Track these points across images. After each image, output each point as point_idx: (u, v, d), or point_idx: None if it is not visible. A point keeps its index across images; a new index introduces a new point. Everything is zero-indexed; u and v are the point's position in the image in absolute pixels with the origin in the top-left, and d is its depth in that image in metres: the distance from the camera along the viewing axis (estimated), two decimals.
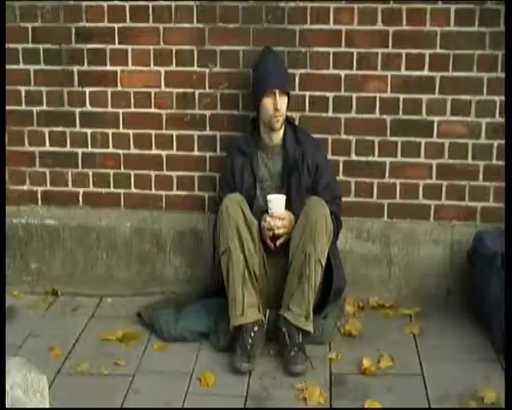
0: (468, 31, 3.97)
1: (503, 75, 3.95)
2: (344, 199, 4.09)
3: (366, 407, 3.27)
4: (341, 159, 4.17)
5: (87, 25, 4.19)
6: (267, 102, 3.77)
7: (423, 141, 4.12)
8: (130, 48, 4.19)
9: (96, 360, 3.65)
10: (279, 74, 3.84)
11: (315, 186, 3.88)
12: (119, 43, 4.19)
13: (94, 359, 3.66)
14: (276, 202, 3.76)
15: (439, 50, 4.01)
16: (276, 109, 3.76)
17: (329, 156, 4.10)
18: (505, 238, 3.41)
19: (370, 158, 4.15)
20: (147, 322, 3.98)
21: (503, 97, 3.97)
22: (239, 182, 3.89)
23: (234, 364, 3.58)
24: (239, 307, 3.67)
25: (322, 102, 4.13)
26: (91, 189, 4.37)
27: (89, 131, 4.31)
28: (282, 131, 3.88)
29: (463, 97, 4.03)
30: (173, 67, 4.19)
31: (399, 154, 4.14)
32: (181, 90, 4.21)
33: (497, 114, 4.03)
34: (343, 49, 4.06)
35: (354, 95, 4.10)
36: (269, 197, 3.77)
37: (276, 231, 3.75)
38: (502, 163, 4.04)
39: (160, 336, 3.87)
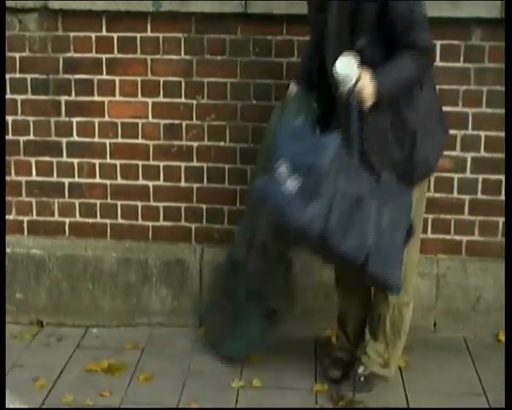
0: (453, 66, 4.01)
1: (488, 110, 4.01)
2: None
3: None
4: None
5: (75, 55, 4.20)
6: None
7: None
8: (117, 79, 4.20)
9: (81, 391, 3.63)
10: None
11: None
12: (107, 73, 4.20)
13: (79, 390, 3.64)
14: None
15: None
16: None
17: None
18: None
19: None
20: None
21: (487, 132, 4.02)
22: None
23: None
24: None
25: None
26: (78, 219, 4.37)
27: (76, 161, 4.31)
28: None
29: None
30: (161, 98, 4.20)
31: None
32: (168, 121, 4.22)
33: (481, 149, 4.06)
34: None
35: None
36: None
37: None
38: (487, 197, 4.09)
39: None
